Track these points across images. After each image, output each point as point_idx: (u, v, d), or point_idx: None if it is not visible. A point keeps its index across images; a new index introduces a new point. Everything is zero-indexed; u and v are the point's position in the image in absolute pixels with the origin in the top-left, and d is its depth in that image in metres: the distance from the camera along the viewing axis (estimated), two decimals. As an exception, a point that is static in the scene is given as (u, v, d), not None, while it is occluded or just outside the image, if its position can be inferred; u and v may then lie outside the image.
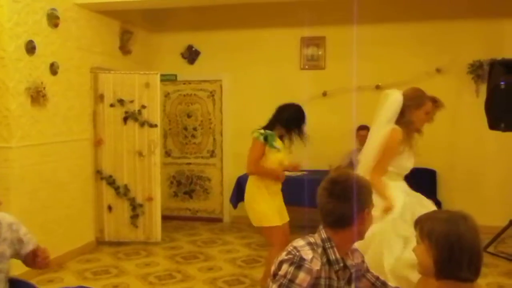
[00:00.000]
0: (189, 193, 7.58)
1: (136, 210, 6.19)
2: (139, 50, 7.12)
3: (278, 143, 4.33)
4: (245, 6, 6.72)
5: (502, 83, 4.86)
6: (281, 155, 4.35)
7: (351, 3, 5.57)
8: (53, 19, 5.22)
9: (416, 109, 3.42)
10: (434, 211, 1.92)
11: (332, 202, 2.02)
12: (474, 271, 1.75)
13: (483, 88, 5.46)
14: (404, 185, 3.49)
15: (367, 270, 2.26)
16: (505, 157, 5.43)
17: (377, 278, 2.26)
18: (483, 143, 5.94)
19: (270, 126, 4.37)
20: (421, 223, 1.86)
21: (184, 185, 7.60)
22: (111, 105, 6.13)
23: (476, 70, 6.46)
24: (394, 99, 3.46)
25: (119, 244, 6.12)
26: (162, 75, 6.56)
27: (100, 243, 6.13)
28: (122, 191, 6.17)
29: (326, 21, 6.89)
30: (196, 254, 5.81)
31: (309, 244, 2.03)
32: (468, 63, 6.50)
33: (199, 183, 7.56)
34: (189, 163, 7.56)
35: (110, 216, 6.19)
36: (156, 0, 5.74)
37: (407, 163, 3.47)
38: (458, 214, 1.85)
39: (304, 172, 6.49)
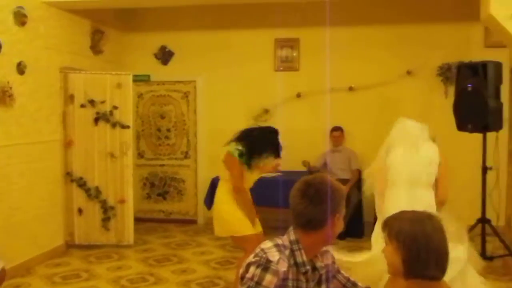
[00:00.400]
0: (163, 195, 7.52)
1: (107, 212, 6.11)
2: (111, 50, 7.04)
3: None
4: (220, 7, 6.72)
5: (469, 85, 4.94)
6: (255, 175, 4.29)
7: (325, 5, 5.59)
8: (20, 17, 5.12)
9: None
10: (400, 212, 1.94)
11: (305, 204, 2.01)
12: (441, 269, 1.80)
13: (452, 90, 5.54)
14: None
15: (338, 271, 2.26)
16: (472, 158, 5.51)
17: (348, 279, 2.26)
18: (452, 143, 6.01)
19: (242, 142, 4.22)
20: (389, 224, 1.89)
21: (158, 186, 7.53)
22: (82, 106, 6.03)
23: (445, 72, 6.58)
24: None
25: (90, 247, 6.03)
26: (134, 76, 6.50)
27: (70, 246, 6.03)
28: (93, 193, 6.07)
29: (300, 23, 6.93)
30: (170, 257, 5.76)
31: (276, 246, 2.02)
32: (437, 65, 6.62)
33: (173, 185, 7.49)
34: (163, 165, 7.49)
35: (81, 218, 6.08)
36: (127, 0, 5.67)
37: None
38: (423, 214, 1.89)
39: (279, 173, 6.49)
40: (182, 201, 7.43)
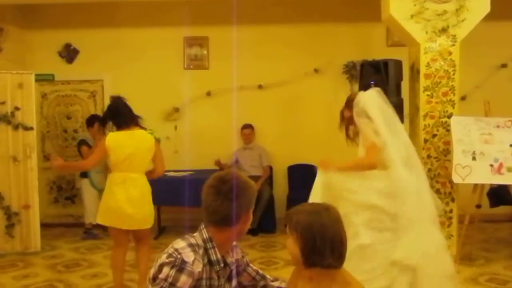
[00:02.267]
0: (71, 198, 7.27)
1: (11, 219, 5.81)
2: (11, 47, 6.69)
3: None
4: (127, 4, 6.59)
5: (372, 82, 5.18)
6: None
7: (232, 4, 5.66)
8: None
9: None
10: (301, 205, 2.02)
11: (220, 200, 2.00)
12: (337, 258, 1.88)
13: (357, 87, 5.82)
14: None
15: (247, 265, 2.30)
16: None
17: (257, 272, 2.32)
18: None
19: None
20: (289, 217, 1.97)
21: (66, 190, 7.27)
22: (-20, 107, 5.71)
23: (350, 70, 6.90)
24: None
25: (-7, 256, 5.73)
26: (37, 75, 6.23)
27: (-29, 256, 5.69)
28: (-5, 200, 5.77)
29: (209, 21, 6.96)
30: (79, 262, 5.59)
31: (190, 245, 2.00)
32: (343, 63, 6.92)
33: (81, 188, 7.26)
34: (70, 167, 7.24)
35: (-18, 226, 5.77)
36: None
37: None
38: (321, 206, 1.99)
39: (192, 172, 6.51)
40: (92, 204, 7.21)
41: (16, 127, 5.81)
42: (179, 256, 1.94)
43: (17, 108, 5.81)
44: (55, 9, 6.90)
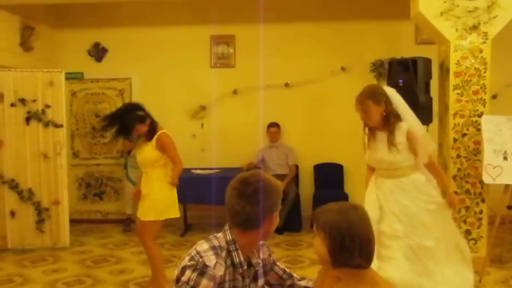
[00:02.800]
0: (99, 195, 7.37)
1: (41, 214, 5.93)
2: (42, 46, 6.81)
3: None
4: (154, 3, 6.64)
5: (400, 81, 5.12)
6: None
7: (259, 2, 5.66)
8: None
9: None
10: (328, 204, 1.98)
11: (242, 203, 1.97)
12: (366, 258, 1.85)
13: (384, 86, 5.74)
14: None
15: (274, 263, 2.28)
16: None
17: (284, 271, 2.30)
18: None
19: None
20: (317, 216, 1.94)
21: (94, 186, 7.37)
22: (12, 105, 5.83)
23: (377, 68, 6.81)
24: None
25: (24, 251, 5.83)
26: (67, 73, 6.33)
27: (3, 251, 5.80)
28: (26, 195, 5.88)
29: (236, 19, 6.97)
30: (107, 257, 5.66)
31: (213, 248, 1.99)
32: (370, 61, 6.84)
33: (109, 184, 7.36)
34: (99, 164, 7.34)
35: (13, 222, 5.88)
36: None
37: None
38: (348, 205, 1.95)
39: (218, 170, 6.53)
40: (119, 201, 7.31)
41: (46, 125, 5.91)
42: (200, 259, 1.93)
43: (47, 106, 5.91)
44: (84, 9, 7.00)
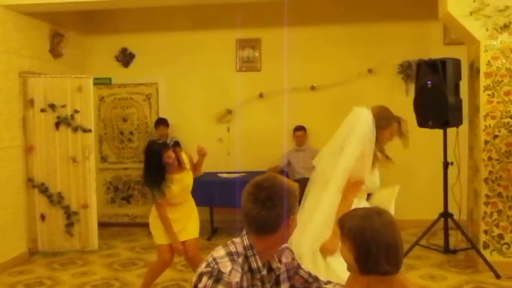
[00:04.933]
0: (127, 199, 7.44)
1: (71, 218, 6.01)
2: (71, 53, 6.92)
3: None
4: (180, 8, 6.68)
5: (429, 82, 5.02)
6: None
7: (284, 6, 5.64)
8: (-23, 21, 5.00)
9: (383, 129, 3.37)
10: (353, 210, 1.95)
11: (257, 209, 1.93)
12: (393, 263, 1.80)
13: (412, 88, 5.64)
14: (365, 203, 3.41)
15: (299, 267, 2.24)
16: (434, 153, 5.64)
17: (309, 274, 2.26)
18: (413, 140, 6.12)
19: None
20: (341, 223, 1.90)
21: (122, 190, 7.44)
22: (42, 110, 5.92)
23: (405, 70, 6.72)
24: (367, 119, 3.38)
25: (53, 254, 5.91)
26: (95, 79, 6.41)
27: (33, 253, 5.90)
28: (55, 199, 5.96)
29: (261, 23, 6.97)
30: (135, 261, 5.70)
31: (229, 254, 1.96)
32: (397, 63, 6.75)
33: (137, 188, 7.42)
34: (126, 168, 7.41)
35: (43, 225, 5.97)
36: (87, 3, 5.59)
37: (376, 180, 3.43)
38: (373, 210, 1.90)
39: (244, 174, 6.53)
40: (146, 205, 7.33)
41: (75, 129, 5.99)
42: (216, 266, 1.91)
43: (76, 111, 6.00)
44: (111, 15, 7.10)
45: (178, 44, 7.18)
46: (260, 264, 1.99)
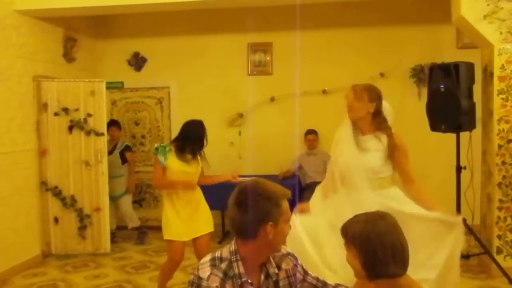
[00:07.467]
0: (139, 202, 7.46)
1: (83, 221, 6.04)
2: (84, 57, 6.98)
3: (171, 155, 4.23)
4: (192, 12, 6.71)
5: (442, 86, 4.99)
6: (185, 167, 4.27)
7: (296, 10, 5.65)
8: (-8, 26, 5.05)
9: None
10: (355, 216, 1.93)
11: (234, 211, 1.97)
12: (401, 265, 1.81)
13: (425, 91, 5.61)
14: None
15: (306, 273, 2.21)
16: (446, 158, 5.60)
17: (317, 279, 2.24)
18: (426, 144, 6.12)
19: (175, 140, 4.37)
20: (345, 230, 1.90)
21: (133, 194, 7.45)
22: (56, 114, 5.97)
23: (417, 74, 6.69)
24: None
25: (66, 256, 5.96)
26: (108, 83, 6.45)
27: (47, 256, 5.95)
28: (68, 202, 6.01)
29: (273, 27, 6.98)
30: (147, 264, 5.73)
31: (212, 259, 1.99)
32: (410, 67, 6.73)
33: (148, 192, 7.46)
34: (138, 171, 7.42)
35: (57, 228, 6.02)
36: (99, 8, 5.64)
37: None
38: (375, 214, 1.90)
39: (255, 177, 6.52)
40: (158, 208, 7.36)
41: (88, 133, 6.03)
42: (196, 272, 1.96)
43: (89, 115, 6.04)
44: (124, 20, 7.15)
45: (189, 48, 7.21)
46: (242, 270, 1.99)
